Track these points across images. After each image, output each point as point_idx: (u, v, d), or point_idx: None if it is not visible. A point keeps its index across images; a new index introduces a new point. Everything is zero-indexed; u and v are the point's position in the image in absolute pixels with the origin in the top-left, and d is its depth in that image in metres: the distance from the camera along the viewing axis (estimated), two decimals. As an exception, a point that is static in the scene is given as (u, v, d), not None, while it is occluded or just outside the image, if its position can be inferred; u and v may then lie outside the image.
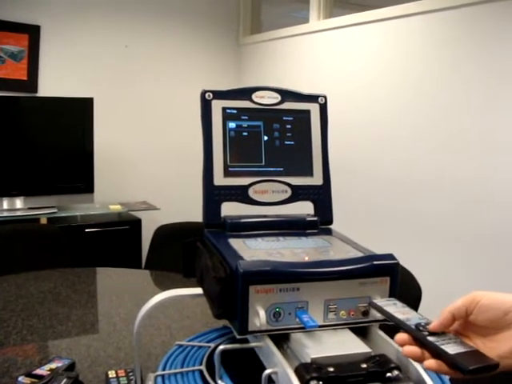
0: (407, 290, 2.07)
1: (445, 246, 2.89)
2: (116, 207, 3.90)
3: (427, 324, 0.78)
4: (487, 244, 2.68)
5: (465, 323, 0.80)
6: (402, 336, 0.78)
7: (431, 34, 2.97)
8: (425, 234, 3.02)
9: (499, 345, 0.75)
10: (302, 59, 3.92)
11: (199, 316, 2.00)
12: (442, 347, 0.73)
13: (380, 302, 0.87)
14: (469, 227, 2.77)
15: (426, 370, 0.75)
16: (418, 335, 0.76)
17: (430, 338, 0.75)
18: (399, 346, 0.79)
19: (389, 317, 0.83)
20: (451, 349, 0.72)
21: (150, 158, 4.35)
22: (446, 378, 1.08)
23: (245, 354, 0.99)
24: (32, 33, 3.80)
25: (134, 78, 4.24)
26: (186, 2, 4.39)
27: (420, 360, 0.75)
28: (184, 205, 3.91)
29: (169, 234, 3.11)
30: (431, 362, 0.73)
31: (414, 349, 0.75)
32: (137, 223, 3.90)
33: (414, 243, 3.04)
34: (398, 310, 0.84)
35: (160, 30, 4.31)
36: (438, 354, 0.73)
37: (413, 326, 0.78)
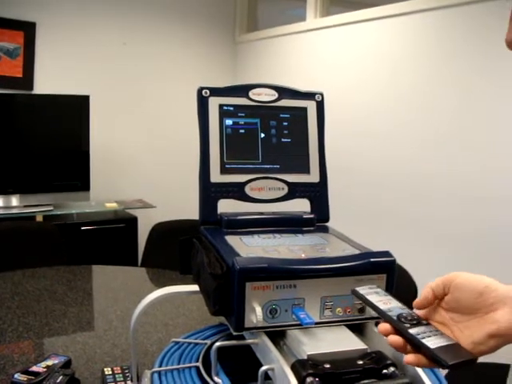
0: (403, 288, 2.08)
1: (440, 244, 2.90)
2: (112, 205, 3.89)
3: (409, 315, 0.79)
4: (481, 241, 2.69)
5: (443, 311, 0.81)
6: (384, 326, 0.78)
7: (427, 31, 2.97)
8: (420, 231, 3.02)
9: (474, 331, 0.76)
10: (299, 57, 3.91)
11: (195, 313, 2.00)
12: (423, 341, 0.73)
13: (362, 289, 0.86)
14: (463, 225, 2.78)
15: (407, 364, 0.76)
16: (400, 327, 0.76)
17: (411, 331, 0.75)
18: (382, 336, 0.79)
19: (371, 306, 0.83)
20: (432, 342, 0.73)
21: (146, 155, 4.34)
22: (442, 374, 1.09)
23: (241, 350, 0.99)
24: (27, 30, 3.79)
25: (130, 76, 4.23)
26: (184, 0, 4.39)
27: (403, 351, 0.76)
28: (180, 203, 3.90)
29: (165, 232, 3.11)
30: (410, 357, 0.74)
31: (398, 339, 0.76)
32: (133, 221, 3.89)
33: (409, 241, 3.05)
34: (381, 298, 0.83)
35: (157, 27, 4.30)
36: (418, 347, 0.74)
37: (395, 317, 0.78)
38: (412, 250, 2.96)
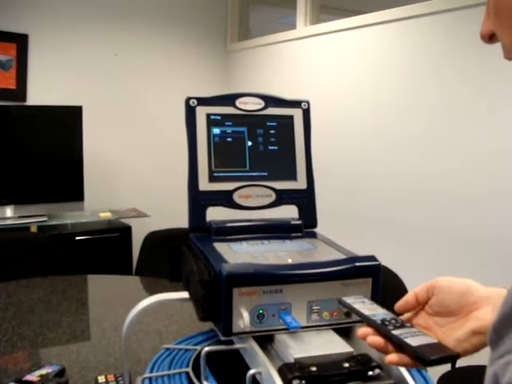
0: (393, 292, 2.09)
1: (431, 248, 2.91)
2: (106, 215, 3.90)
3: (392, 319, 0.80)
4: (472, 245, 2.70)
5: (427, 316, 0.83)
6: (364, 330, 0.80)
7: (414, 38, 3.00)
8: (410, 236, 3.04)
9: (457, 330, 0.78)
10: (290, 65, 3.94)
11: (188, 321, 2.01)
12: (406, 340, 0.75)
13: (348, 299, 0.88)
14: (454, 229, 2.79)
15: (389, 363, 0.77)
16: (383, 329, 0.78)
17: (394, 332, 0.77)
18: (362, 339, 0.80)
19: (356, 313, 0.85)
20: (414, 341, 0.74)
21: (139, 165, 4.35)
22: (429, 376, 1.11)
23: (231, 355, 1.01)
24: (20, 42, 3.80)
25: (123, 86, 4.24)
26: (174, 10, 4.41)
27: (383, 350, 0.77)
28: (174, 211, 3.89)
29: (159, 241, 3.12)
30: (393, 356, 0.75)
31: (378, 339, 0.77)
32: (127, 230, 3.90)
33: (400, 246, 3.06)
34: (366, 306, 0.85)
35: (149, 37, 4.32)
36: (401, 347, 0.75)
37: (378, 321, 0.79)
38: (402, 253, 2.98)
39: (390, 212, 3.17)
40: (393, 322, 0.79)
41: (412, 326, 0.79)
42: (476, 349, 0.76)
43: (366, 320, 0.81)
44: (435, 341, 0.75)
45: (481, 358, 0.80)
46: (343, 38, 3.47)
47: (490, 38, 0.65)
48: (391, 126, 3.15)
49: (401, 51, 3.09)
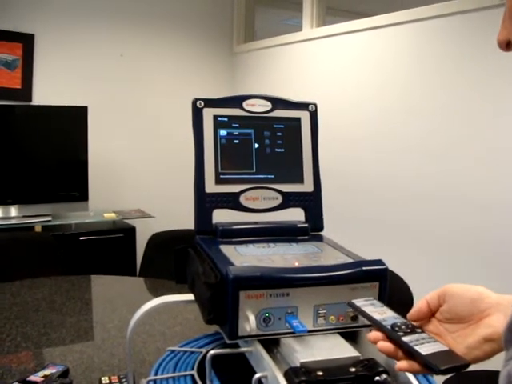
0: (399, 296, 2.08)
1: (437, 252, 2.91)
2: (110, 215, 3.90)
3: (403, 324, 0.79)
4: (477, 248, 2.70)
5: (438, 322, 0.83)
6: (374, 334, 0.79)
7: (420, 41, 3.00)
8: (416, 239, 3.03)
9: (469, 337, 0.77)
10: (296, 66, 3.94)
11: (193, 322, 2.01)
12: (416, 348, 0.74)
13: (358, 301, 0.88)
14: (461, 232, 2.78)
15: (399, 370, 0.77)
16: (393, 335, 0.77)
17: (405, 339, 0.76)
18: (372, 343, 0.80)
19: (366, 317, 0.84)
20: (424, 349, 0.74)
21: (144, 166, 4.35)
22: (435, 380, 1.10)
23: (237, 359, 1.00)
24: (26, 41, 3.81)
25: (128, 87, 4.25)
26: (181, 11, 4.41)
27: (394, 356, 0.77)
28: (178, 213, 3.89)
29: (163, 242, 3.12)
30: (403, 363, 0.75)
31: (388, 345, 0.77)
32: (131, 231, 3.89)
33: (406, 249, 3.05)
34: (376, 309, 0.85)
35: (155, 38, 4.33)
36: (411, 353, 0.74)
37: (388, 327, 0.79)
38: (409, 257, 2.97)
39: (397, 214, 3.16)
40: (403, 327, 0.78)
41: (423, 332, 0.79)
42: (487, 356, 0.75)
43: (376, 325, 0.81)
44: (446, 348, 0.75)
45: (486, 363, 0.79)
46: (349, 40, 3.47)
47: (507, 45, 0.64)
48: (397, 128, 3.15)
49: (407, 54, 3.09)
